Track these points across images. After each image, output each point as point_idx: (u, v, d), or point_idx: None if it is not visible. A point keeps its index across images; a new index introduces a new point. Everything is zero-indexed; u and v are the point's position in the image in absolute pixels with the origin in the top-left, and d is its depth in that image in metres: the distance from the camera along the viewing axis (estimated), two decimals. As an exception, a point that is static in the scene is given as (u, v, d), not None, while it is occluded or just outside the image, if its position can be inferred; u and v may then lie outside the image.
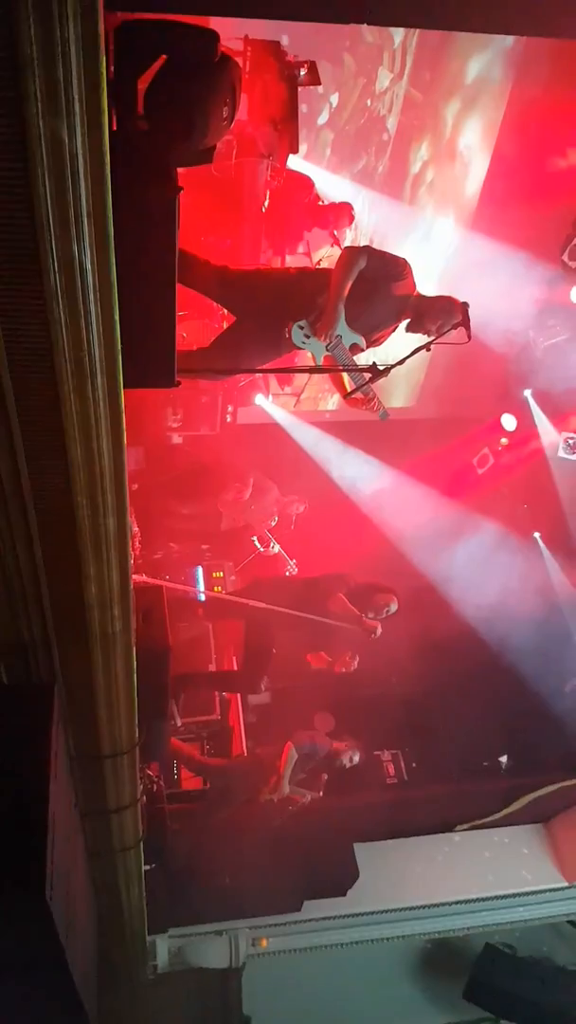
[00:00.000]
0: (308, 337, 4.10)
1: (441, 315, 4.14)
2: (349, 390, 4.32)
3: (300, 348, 4.21)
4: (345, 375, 4.27)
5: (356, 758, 6.16)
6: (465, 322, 4.11)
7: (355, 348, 4.19)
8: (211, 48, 2.76)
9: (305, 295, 4.12)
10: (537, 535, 8.26)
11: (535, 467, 8.32)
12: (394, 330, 4.38)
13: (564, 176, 7.28)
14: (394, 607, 6.06)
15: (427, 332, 4.19)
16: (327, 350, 4.13)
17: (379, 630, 5.86)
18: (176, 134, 2.73)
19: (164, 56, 2.65)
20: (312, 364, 4.22)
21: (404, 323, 4.29)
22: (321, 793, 6.11)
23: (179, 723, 6.30)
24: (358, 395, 4.24)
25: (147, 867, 4.73)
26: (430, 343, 4.12)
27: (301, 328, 4.08)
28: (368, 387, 4.18)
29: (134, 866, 4.49)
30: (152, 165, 2.44)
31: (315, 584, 6.18)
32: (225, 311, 4.82)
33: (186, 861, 5.65)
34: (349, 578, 6.20)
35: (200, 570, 7.85)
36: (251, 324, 4.33)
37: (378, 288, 4.09)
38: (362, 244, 5.31)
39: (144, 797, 4.48)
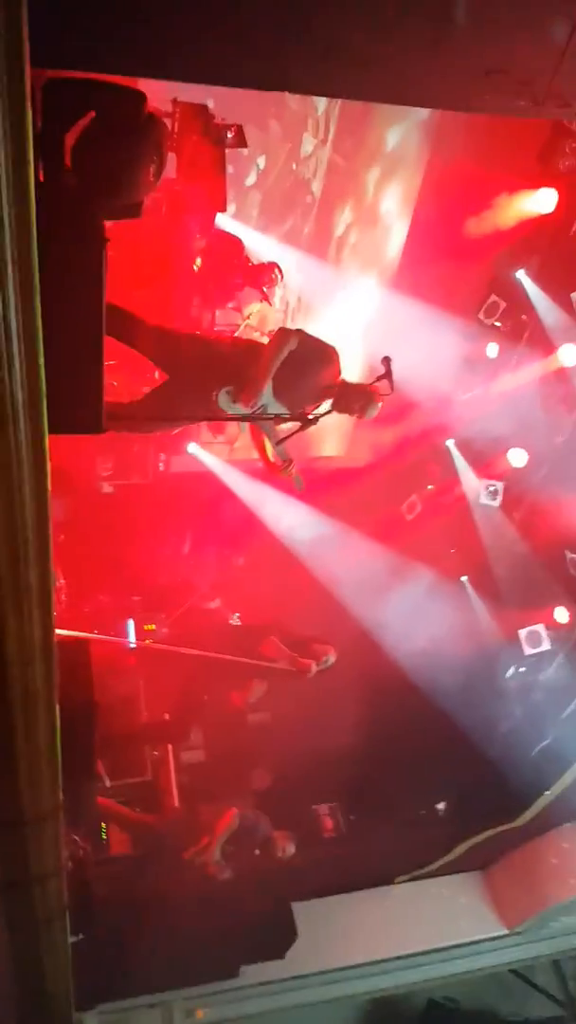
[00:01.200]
0: (234, 402, 4.32)
1: (361, 398, 4.42)
2: (271, 457, 4.58)
3: (225, 410, 4.40)
4: (268, 444, 4.53)
5: (291, 851, 6.05)
6: (388, 375, 4.26)
7: (279, 420, 4.42)
8: (138, 107, 2.83)
9: (237, 363, 4.36)
10: (465, 579, 8.41)
11: (460, 514, 8.52)
12: (316, 408, 4.58)
13: (479, 240, 7.64)
14: (332, 659, 6.10)
15: (351, 412, 4.47)
16: (250, 416, 4.35)
17: (314, 668, 5.87)
18: (103, 189, 2.78)
19: (92, 112, 2.71)
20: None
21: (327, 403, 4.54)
22: (257, 852, 5.96)
23: (108, 783, 6.09)
24: (277, 462, 4.52)
25: (73, 938, 4.49)
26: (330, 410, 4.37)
27: (228, 393, 4.30)
28: (287, 455, 4.46)
29: (59, 938, 4.26)
30: (79, 216, 2.47)
31: (248, 630, 6.17)
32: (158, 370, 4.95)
33: (114, 930, 5.38)
34: (284, 625, 6.21)
35: (132, 623, 7.70)
36: (183, 384, 4.50)
37: (306, 369, 4.36)
38: (291, 303, 5.55)
39: (69, 863, 4.28)
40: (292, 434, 4.42)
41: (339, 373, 4.43)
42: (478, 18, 2.47)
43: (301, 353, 4.32)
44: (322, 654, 6.03)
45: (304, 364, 4.35)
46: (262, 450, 4.63)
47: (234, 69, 2.59)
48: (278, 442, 4.47)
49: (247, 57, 2.49)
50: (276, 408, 4.36)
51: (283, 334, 4.34)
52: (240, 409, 4.32)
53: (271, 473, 4.68)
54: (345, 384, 4.46)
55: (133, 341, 4.35)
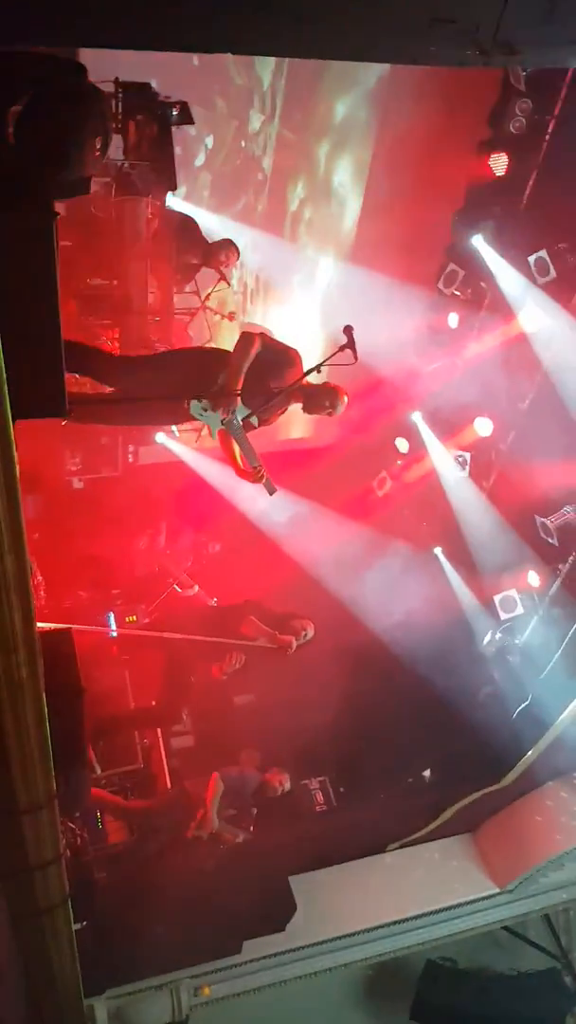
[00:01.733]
0: (205, 411, 4.43)
1: (328, 397, 4.58)
2: (240, 464, 4.64)
3: (197, 419, 4.55)
4: (237, 450, 4.59)
5: (287, 784, 6.14)
6: (351, 344, 4.26)
7: (247, 425, 4.49)
8: (79, 79, 2.80)
9: (204, 372, 4.46)
10: (438, 550, 8.48)
11: (430, 486, 8.58)
12: (283, 412, 4.76)
13: (432, 207, 7.65)
14: (311, 632, 6.16)
15: (321, 412, 4.62)
16: (222, 424, 4.43)
17: (294, 644, 5.92)
18: (48, 163, 2.74)
19: (34, 87, 2.67)
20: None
21: (295, 406, 4.68)
22: (252, 829, 6.02)
23: (99, 772, 6.09)
24: (247, 469, 4.59)
25: (77, 926, 4.51)
26: (316, 367, 4.37)
27: (199, 402, 4.42)
28: (258, 462, 4.54)
29: (63, 925, 4.27)
30: (27, 192, 2.43)
31: (228, 611, 6.21)
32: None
33: (117, 914, 5.41)
34: (262, 604, 6.25)
35: (112, 616, 7.67)
36: (153, 398, 4.60)
37: (270, 373, 4.46)
38: (249, 283, 5.62)
39: (68, 851, 4.29)
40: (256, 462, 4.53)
41: (302, 375, 4.48)
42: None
43: (265, 357, 4.43)
44: (300, 629, 6.08)
45: (268, 368, 4.44)
46: (232, 457, 4.67)
47: (168, 32, 2.53)
48: (255, 472, 4.56)
49: (181, 20, 2.44)
50: (243, 411, 4.41)
51: (248, 339, 4.42)
52: (212, 417, 4.42)
53: (241, 478, 4.72)
54: (309, 384, 4.54)
55: (98, 376, 4.46)
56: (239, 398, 4.36)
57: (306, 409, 4.63)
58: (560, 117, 6.66)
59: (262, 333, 4.53)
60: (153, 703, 6.55)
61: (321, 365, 4.33)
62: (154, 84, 6.11)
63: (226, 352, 4.58)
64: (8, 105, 2.65)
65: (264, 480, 4.59)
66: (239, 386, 4.34)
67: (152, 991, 5.88)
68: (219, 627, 5.98)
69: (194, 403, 4.42)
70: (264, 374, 4.45)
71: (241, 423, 4.43)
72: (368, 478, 9.41)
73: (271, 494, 4.74)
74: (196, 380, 4.45)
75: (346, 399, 4.62)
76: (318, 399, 4.59)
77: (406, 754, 7.53)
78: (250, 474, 4.59)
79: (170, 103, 6.06)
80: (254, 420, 4.51)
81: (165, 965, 5.91)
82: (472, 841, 7.28)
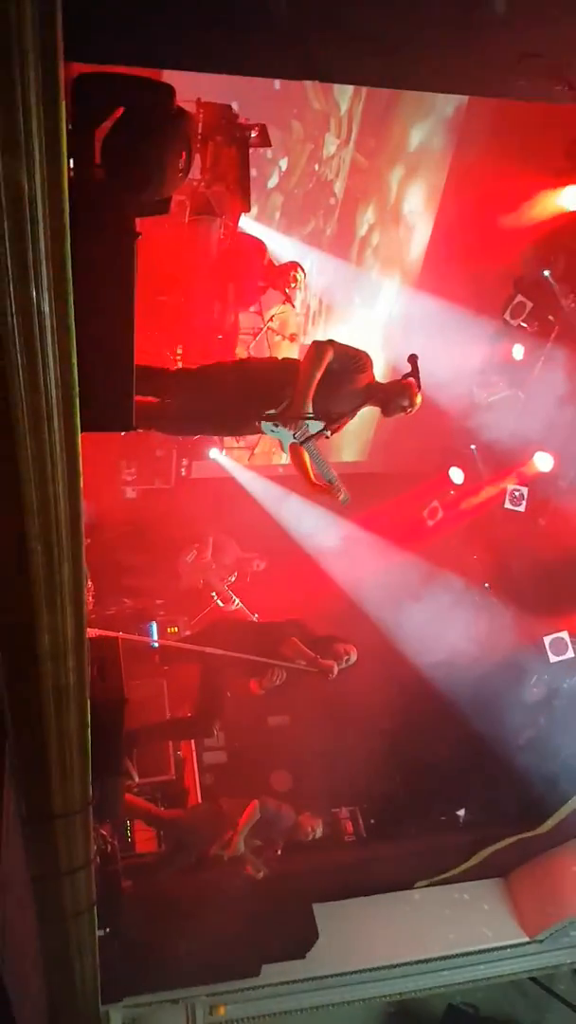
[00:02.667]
0: (277, 426, 4.27)
1: (404, 396, 4.37)
2: (313, 478, 4.47)
3: (267, 435, 4.40)
4: (309, 464, 4.41)
5: (319, 830, 6.07)
6: (415, 373, 4.24)
7: (320, 437, 4.30)
8: (168, 101, 2.85)
9: (273, 386, 4.28)
10: (487, 585, 8.34)
11: (483, 519, 8.46)
12: (352, 418, 4.53)
13: (503, 238, 7.59)
14: (354, 657, 6.08)
15: (398, 411, 4.41)
16: (295, 438, 4.27)
17: (335, 670, 5.85)
18: (133, 183, 2.79)
19: (121, 108, 2.73)
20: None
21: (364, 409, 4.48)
22: (279, 852, 5.97)
23: (136, 779, 6.10)
24: (320, 482, 4.40)
25: (100, 932, 4.52)
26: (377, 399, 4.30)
27: (271, 416, 4.25)
28: (332, 474, 4.35)
29: (87, 932, 4.28)
30: (110, 212, 2.48)
31: (270, 629, 6.16)
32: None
33: (141, 925, 5.41)
34: (304, 625, 6.18)
35: (155, 625, 7.73)
36: (219, 412, 4.46)
37: (343, 380, 4.27)
38: (312, 305, 5.54)
39: (97, 858, 4.30)
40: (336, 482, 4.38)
41: (373, 377, 4.35)
42: (512, 3, 2.44)
43: (336, 364, 4.23)
44: (344, 653, 6.00)
45: (340, 374, 4.26)
46: (304, 470, 4.49)
47: (261, 60, 2.58)
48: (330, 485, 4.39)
49: (274, 47, 2.47)
50: (316, 427, 4.23)
51: (319, 347, 4.21)
52: (284, 432, 4.26)
53: (314, 493, 4.57)
54: (379, 386, 4.39)
55: (161, 391, 4.29)
56: (309, 410, 4.17)
57: (385, 413, 4.43)
58: None
59: (331, 340, 4.31)
60: (188, 714, 6.55)
61: (370, 391, 4.29)
62: (234, 106, 6.20)
63: (295, 363, 4.38)
64: (96, 124, 2.72)
65: (342, 495, 4.41)
66: (310, 400, 4.15)
67: (168, 1004, 5.86)
68: (260, 644, 5.94)
69: (265, 424, 4.28)
70: (336, 383, 4.26)
71: (314, 436, 4.25)
72: (420, 507, 9.31)
73: (345, 504, 4.55)
74: (262, 394, 4.29)
75: (418, 396, 4.41)
76: (395, 401, 4.38)
77: (441, 791, 7.39)
78: (325, 488, 4.41)
79: (249, 125, 6.14)
80: (327, 432, 4.33)
81: (183, 980, 5.88)
82: (504, 886, 7.10)
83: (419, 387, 4.24)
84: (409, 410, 4.40)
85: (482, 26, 2.44)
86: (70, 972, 4.56)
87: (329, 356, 4.18)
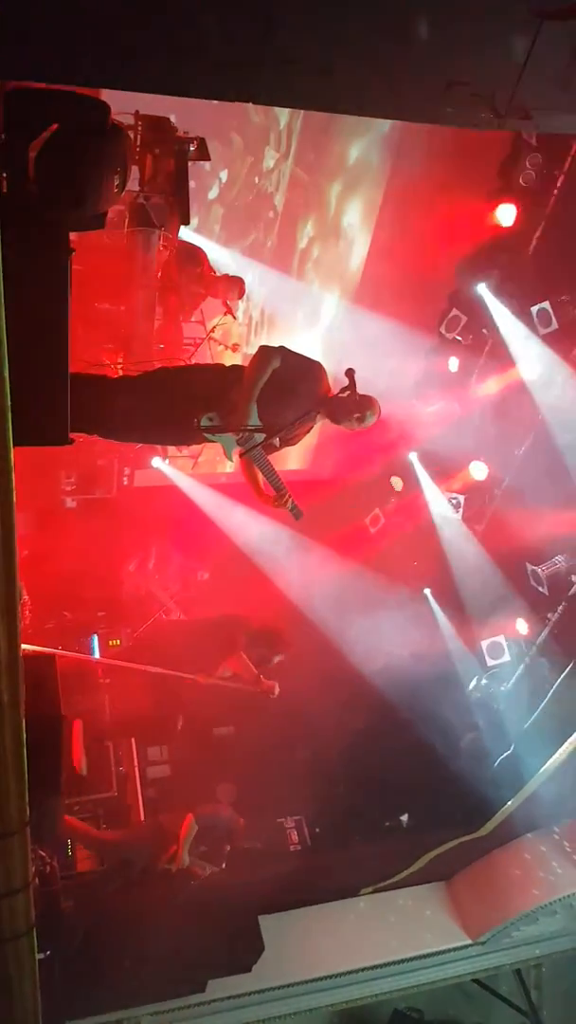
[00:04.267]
0: (216, 432, 4.09)
1: (356, 408, 4.20)
2: (263, 489, 4.31)
3: (210, 441, 4.19)
4: (260, 474, 4.25)
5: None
6: (352, 386, 4.25)
7: (268, 446, 4.15)
8: (101, 118, 2.85)
9: (216, 390, 4.12)
10: (427, 591, 8.48)
11: (422, 526, 8.61)
12: (309, 431, 4.40)
13: (439, 253, 7.77)
14: (278, 659, 6.21)
15: (349, 420, 4.23)
16: (239, 444, 4.11)
17: (277, 690, 5.85)
18: (67, 199, 2.78)
19: (55, 124, 2.72)
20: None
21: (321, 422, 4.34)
22: (224, 865, 5.95)
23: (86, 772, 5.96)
24: (269, 492, 4.26)
25: (40, 955, 4.42)
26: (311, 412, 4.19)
27: (211, 420, 4.05)
28: (282, 485, 4.22)
29: (26, 955, 4.18)
30: (43, 228, 2.47)
31: (215, 630, 6.11)
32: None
33: (82, 945, 5.32)
34: (247, 624, 6.22)
35: (96, 638, 7.63)
36: (161, 418, 4.25)
37: (292, 389, 4.12)
38: (254, 316, 5.53)
39: (36, 879, 4.22)
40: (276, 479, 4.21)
41: (328, 389, 4.20)
42: (439, 30, 2.52)
43: (285, 371, 4.08)
44: (278, 663, 6.14)
45: (289, 383, 4.10)
46: (253, 481, 4.33)
47: (193, 80, 2.60)
48: (281, 496, 4.25)
49: (206, 68, 2.50)
50: (261, 435, 4.05)
51: (265, 351, 4.07)
52: (225, 437, 4.07)
53: (263, 504, 4.39)
54: (335, 398, 4.21)
55: (102, 399, 4.07)
56: (250, 415, 4.00)
57: (333, 418, 4.23)
58: (570, 173, 6.79)
59: (282, 347, 4.14)
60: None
61: (321, 401, 4.26)
62: (173, 119, 6.21)
63: (241, 368, 4.19)
64: (29, 140, 2.70)
65: (290, 506, 4.26)
66: (251, 402, 3.98)
67: (112, 1025, 5.76)
68: (209, 640, 5.91)
69: (204, 421, 4.04)
70: (285, 390, 4.08)
71: (260, 444, 4.06)
72: (362, 514, 9.42)
73: (297, 519, 4.41)
74: (206, 397, 4.10)
75: (378, 409, 4.24)
76: (347, 408, 4.19)
77: (384, 797, 7.46)
78: (273, 499, 4.25)
79: (188, 139, 6.16)
80: (275, 440, 4.13)
81: (127, 999, 5.79)
82: (446, 889, 7.20)
83: (356, 399, 4.21)
84: (360, 420, 4.22)
85: (410, 54, 2.51)
86: (9, 998, 4.45)
87: (275, 361, 4.05)
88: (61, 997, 5.20)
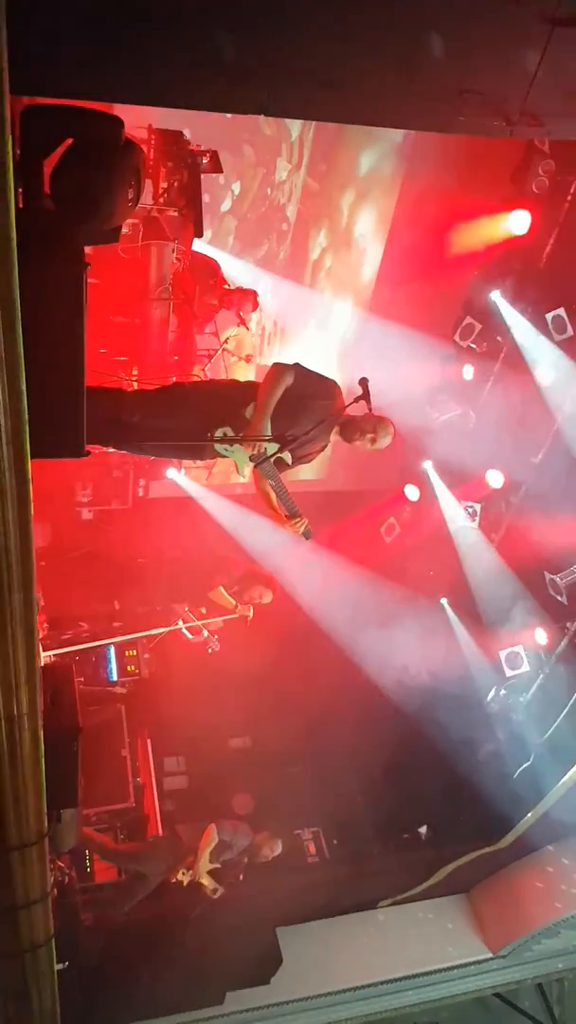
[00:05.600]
0: (232, 445, 4.08)
1: (371, 429, 4.16)
2: (276, 508, 4.26)
3: (223, 455, 4.18)
4: (272, 493, 4.21)
5: (278, 850, 6.05)
6: (366, 395, 4.23)
7: (280, 463, 4.13)
8: (116, 133, 2.87)
9: (230, 405, 4.12)
10: (444, 601, 8.43)
11: (438, 535, 8.57)
12: (323, 449, 4.38)
13: (453, 262, 7.76)
14: (268, 598, 6.41)
15: (360, 438, 4.17)
16: (251, 460, 4.08)
17: (251, 612, 6.26)
18: (81, 213, 2.80)
19: (70, 139, 2.74)
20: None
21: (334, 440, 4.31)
22: (241, 878, 5.93)
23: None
24: (282, 512, 4.21)
25: (59, 966, 4.42)
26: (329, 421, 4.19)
27: (224, 435, 4.06)
28: (294, 505, 4.17)
29: (45, 966, 4.19)
30: (59, 242, 2.49)
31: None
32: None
33: (101, 957, 5.31)
34: (231, 565, 6.57)
35: (112, 649, 7.63)
36: (177, 432, 4.23)
37: (305, 406, 4.10)
38: (267, 327, 5.58)
39: (55, 890, 4.22)
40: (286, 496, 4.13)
41: (343, 407, 4.16)
42: (451, 40, 2.53)
43: (298, 388, 4.07)
44: (257, 597, 6.37)
45: (303, 399, 4.09)
46: (266, 500, 4.28)
47: (206, 93, 2.62)
48: (291, 514, 4.17)
49: (219, 82, 2.52)
50: (273, 447, 3.99)
51: (279, 368, 4.07)
52: (238, 452, 4.08)
53: (276, 523, 4.33)
54: (350, 418, 4.18)
55: (118, 414, 4.08)
56: (267, 432, 3.97)
57: (344, 435, 4.18)
58: (582, 179, 6.78)
59: (296, 364, 4.14)
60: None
61: (335, 418, 4.23)
62: (186, 132, 6.27)
63: (256, 385, 4.19)
64: (44, 156, 2.73)
65: (303, 529, 4.21)
66: (265, 419, 3.97)
67: (132, 1037, 5.74)
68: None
69: (218, 435, 4.04)
70: (298, 407, 4.09)
71: (272, 461, 4.01)
72: (377, 524, 9.40)
73: (307, 539, 4.34)
74: (220, 413, 4.09)
75: (393, 430, 4.18)
76: (360, 425, 4.14)
77: (403, 809, 7.40)
78: (286, 519, 4.19)
79: (201, 152, 6.21)
80: (286, 457, 4.08)
81: (145, 1011, 5.77)
82: (466, 902, 7.13)
83: (370, 409, 4.18)
84: (373, 439, 4.17)
85: (423, 64, 2.52)
86: (28, 1007, 4.45)
87: (288, 378, 4.05)
88: (80, 1008, 5.19)
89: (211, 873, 5.70)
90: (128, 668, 7.49)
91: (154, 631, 6.40)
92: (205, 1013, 5.95)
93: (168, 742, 7.47)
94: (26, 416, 2.24)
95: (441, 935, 6.95)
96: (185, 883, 5.53)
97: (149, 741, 7.17)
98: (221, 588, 6.26)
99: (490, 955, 6.88)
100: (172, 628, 6.43)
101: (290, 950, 6.27)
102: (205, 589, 6.39)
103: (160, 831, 6.56)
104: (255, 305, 7.48)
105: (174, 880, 5.54)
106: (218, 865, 5.74)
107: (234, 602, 6.32)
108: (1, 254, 2.00)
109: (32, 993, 4.36)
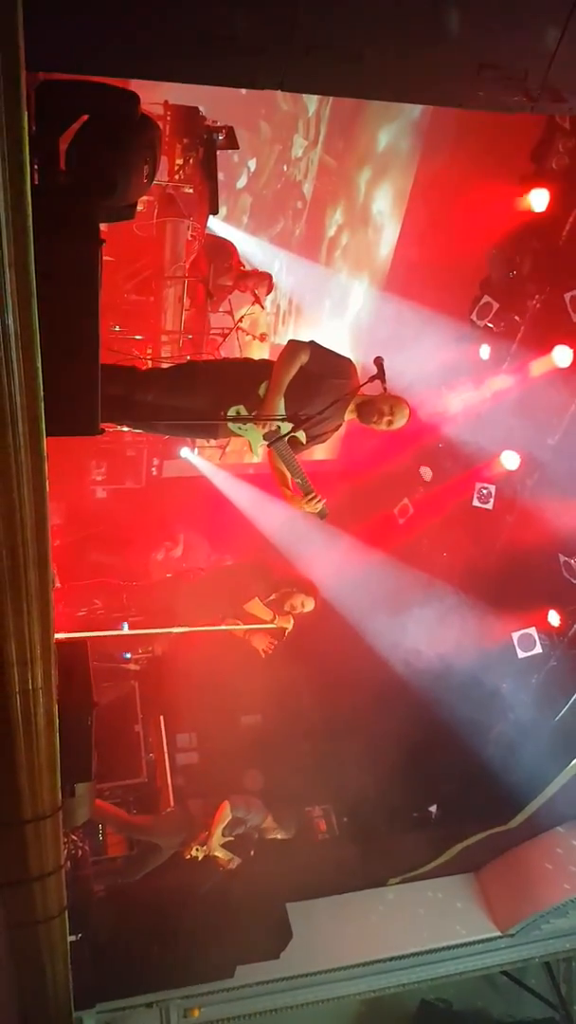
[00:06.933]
0: (244, 425, 4.06)
1: (387, 403, 4.14)
2: (290, 488, 4.26)
3: (237, 434, 4.16)
4: (287, 471, 4.21)
5: (292, 830, 6.10)
6: (381, 375, 4.20)
7: (295, 442, 4.11)
8: (131, 109, 2.85)
9: (244, 383, 4.10)
10: (457, 582, 8.42)
11: (452, 517, 8.54)
12: (337, 428, 4.35)
13: (470, 239, 7.67)
14: (310, 607, 5.98)
15: (377, 420, 4.18)
16: (264, 439, 4.09)
17: (288, 627, 5.84)
18: (97, 190, 2.79)
19: (85, 115, 2.73)
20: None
21: (348, 419, 4.28)
22: (252, 853, 5.99)
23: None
24: (296, 492, 4.22)
25: (72, 937, 4.50)
26: (346, 397, 4.16)
27: (238, 413, 4.04)
28: (309, 485, 4.16)
29: (58, 937, 4.27)
30: (74, 218, 2.48)
31: (233, 575, 6.04)
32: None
33: (113, 929, 5.40)
34: (264, 566, 6.15)
35: (127, 625, 7.69)
36: (190, 410, 4.23)
37: (320, 385, 4.07)
38: (282, 305, 5.52)
39: (68, 863, 4.29)
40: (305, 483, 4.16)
41: (357, 387, 4.14)
42: (470, 14, 2.49)
43: (313, 366, 4.05)
44: (299, 606, 5.91)
45: (318, 378, 4.06)
46: (280, 479, 4.28)
47: (222, 68, 2.59)
48: (309, 495, 4.18)
49: (235, 56, 2.49)
50: (287, 427, 3.99)
51: (294, 346, 4.04)
52: (252, 431, 4.06)
53: (290, 504, 4.34)
54: (364, 397, 4.17)
55: (131, 391, 4.07)
56: (281, 411, 3.98)
57: (360, 416, 4.17)
58: (604, 157, 6.66)
59: (312, 341, 4.10)
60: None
61: (349, 397, 4.21)
62: (202, 109, 6.21)
63: (270, 363, 4.17)
64: (60, 132, 2.71)
65: (319, 509, 4.22)
66: (279, 397, 3.95)
67: (142, 1008, 5.85)
68: (222, 593, 5.88)
69: (231, 414, 4.02)
70: (313, 385, 4.04)
71: (285, 437, 4.00)
72: (390, 505, 9.37)
73: (323, 518, 4.36)
74: (234, 392, 4.07)
75: (408, 411, 4.16)
76: (376, 405, 4.14)
77: (412, 788, 7.44)
78: (301, 499, 4.20)
79: (216, 128, 6.16)
80: (301, 436, 4.08)
81: (156, 983, 5.88)
82: (475, 881, 7.18)
83: (385, 389, 4.16)
84: (390, 421, 4.16)
85: (441, 38, 2.48)
86: (42, 979, 4.54)
87: (303, 356, 4.02)
88: (92, 979, 5.29)
89: (224, 847, 5.77)
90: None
91: (174, 630, 5.94)
92: (215, 986, 6.04)
93: (180, 719, 7.53)
94: (41, 393, 2.25)
95: (450, 913, 7.01)
96: (200, 859, 5.60)
97: (162, 717, 7.23)
98: (257, 599, 5.85)
99: (498, 934, 6.94)
100: (193, 630, 5.90)
101: (300, 925, 6.35)
102: (239, 601, 5.86)
103: (172, 805, 6.64)
104: (270, 288, 7.45)
105: (188, 856, 5.61)
106: (231, 838, 5.81)
107: (272, 614, 5.83)
108: (17, 231, 1.99)
109: (46, 964, 4.44)
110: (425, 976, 6.78)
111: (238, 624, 5.83)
